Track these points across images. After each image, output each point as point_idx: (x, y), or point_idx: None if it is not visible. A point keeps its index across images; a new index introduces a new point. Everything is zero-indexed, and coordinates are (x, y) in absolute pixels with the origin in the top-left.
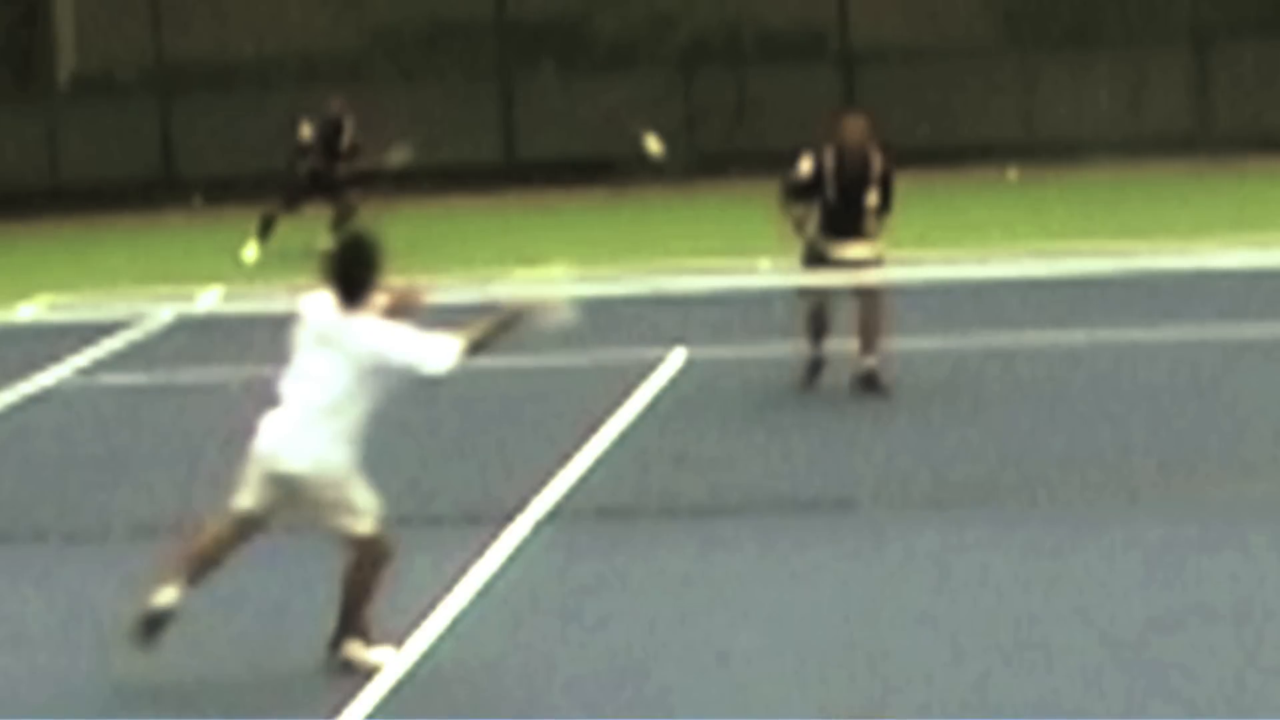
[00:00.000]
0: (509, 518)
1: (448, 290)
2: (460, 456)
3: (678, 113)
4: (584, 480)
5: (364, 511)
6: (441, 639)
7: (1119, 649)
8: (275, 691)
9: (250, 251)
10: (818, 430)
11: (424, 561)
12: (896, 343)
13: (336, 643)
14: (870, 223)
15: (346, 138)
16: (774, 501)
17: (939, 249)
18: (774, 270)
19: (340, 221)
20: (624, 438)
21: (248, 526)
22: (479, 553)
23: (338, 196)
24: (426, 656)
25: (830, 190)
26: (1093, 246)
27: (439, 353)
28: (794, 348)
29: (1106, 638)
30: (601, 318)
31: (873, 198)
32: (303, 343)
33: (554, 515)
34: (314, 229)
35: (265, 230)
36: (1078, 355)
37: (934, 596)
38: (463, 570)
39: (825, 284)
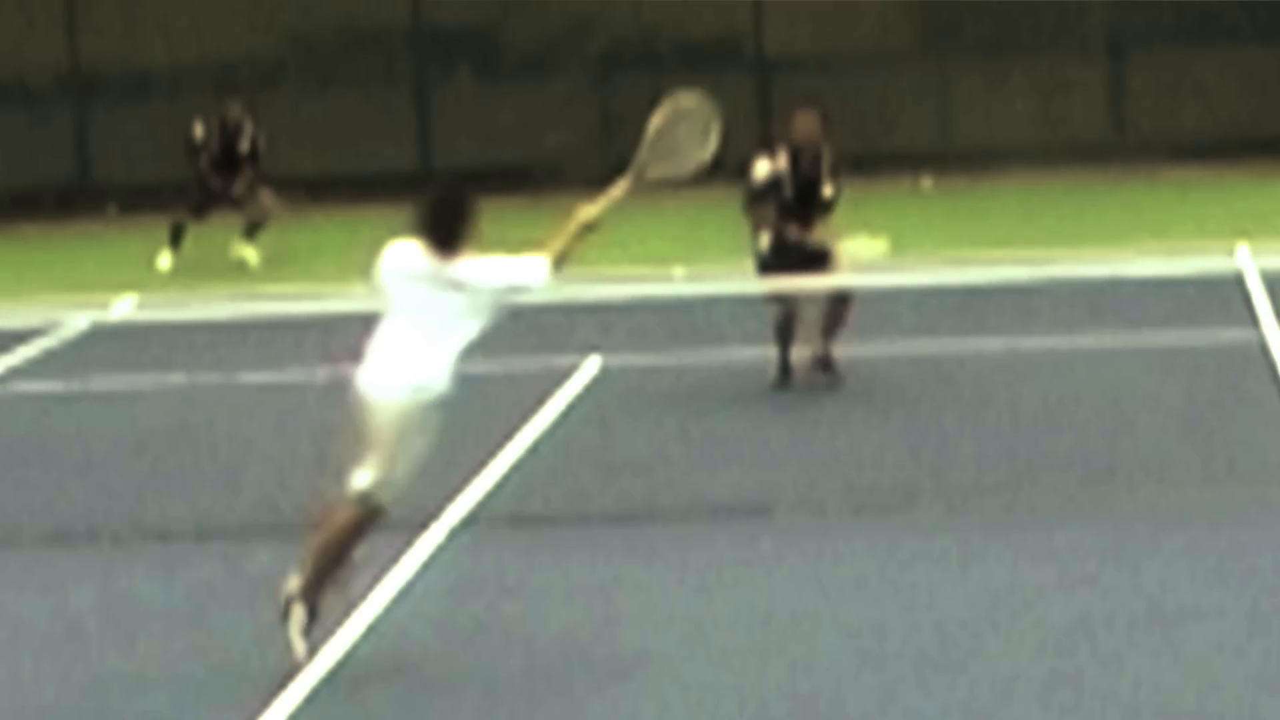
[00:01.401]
0: (424, 524)
1: (363, 298)
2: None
3: (593, 119)
4: (499, 487)
5: (390, 478)
6: (358, 644)
7: (1035, 656)
8: (194, 695)
9: (164, 260)
10: (734, 437)
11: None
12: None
13: (295, 601)
14: (826, 216)
15: (245, 141)
16: (690, 508)
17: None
18: (688, 278)
19: (253, 228)
20: (539, 445)
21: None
22: (395, 558)
23: (246, 202)
24: (343, 662)
25: (788, 189)
26: (1008, 254)
27: (532, 269)
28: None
29: (1022, 645)
30: (516, 325)
31: (828, 190)
32: (395, 287)
33: (470, 522)
34: (228, 237)
35: (176, 238)
36: (994, 363)
37: (851, 603)
38: (379, 576)
39: (779, 291)
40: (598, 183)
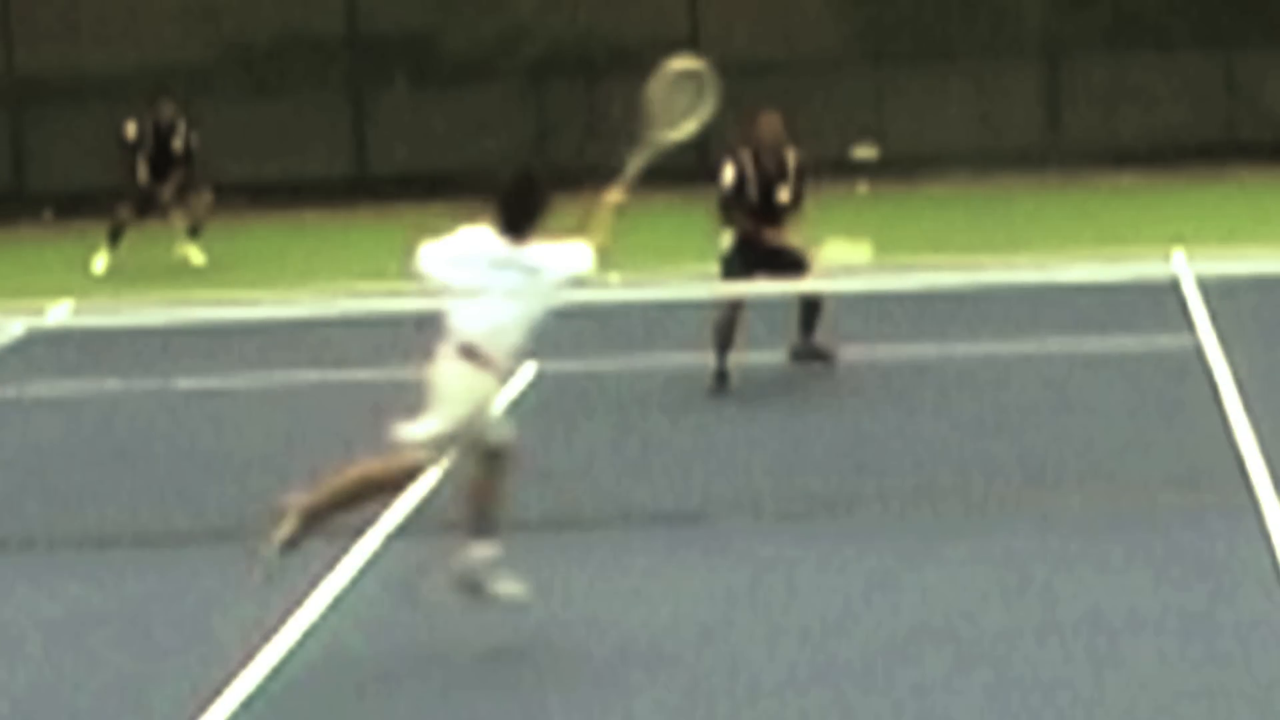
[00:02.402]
0: (359, 531)
1: (299, 304)
2: (309, 469)
3: (529, 126)
4: (435, 493)
5: (443, 442)
6: (293, 652)
7: (975, 663)
8: (129, 702)
9: (100, 262)
10: (669, 443)
11: (274, 574)
12: (748, 357)
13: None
14: (792, 216)
15: (179, 140)
16: (625, 514)
17: None
18: (623, 284)
19: (196, 228)
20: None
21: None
22: (330, 566)
23: (174, 207)
24: (279, 667)
25: (752, 190)
26: (944, 260)
27: (581, 256)
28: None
29: (961, 651)
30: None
31: (783, 194)
32: (467, 270)
33: (404, 529)
34: (165, 243)
35: (115, 238)
36: (930, 369)
37: (786, 610)
38: (314, 584)
39: (732, 295)
40: None
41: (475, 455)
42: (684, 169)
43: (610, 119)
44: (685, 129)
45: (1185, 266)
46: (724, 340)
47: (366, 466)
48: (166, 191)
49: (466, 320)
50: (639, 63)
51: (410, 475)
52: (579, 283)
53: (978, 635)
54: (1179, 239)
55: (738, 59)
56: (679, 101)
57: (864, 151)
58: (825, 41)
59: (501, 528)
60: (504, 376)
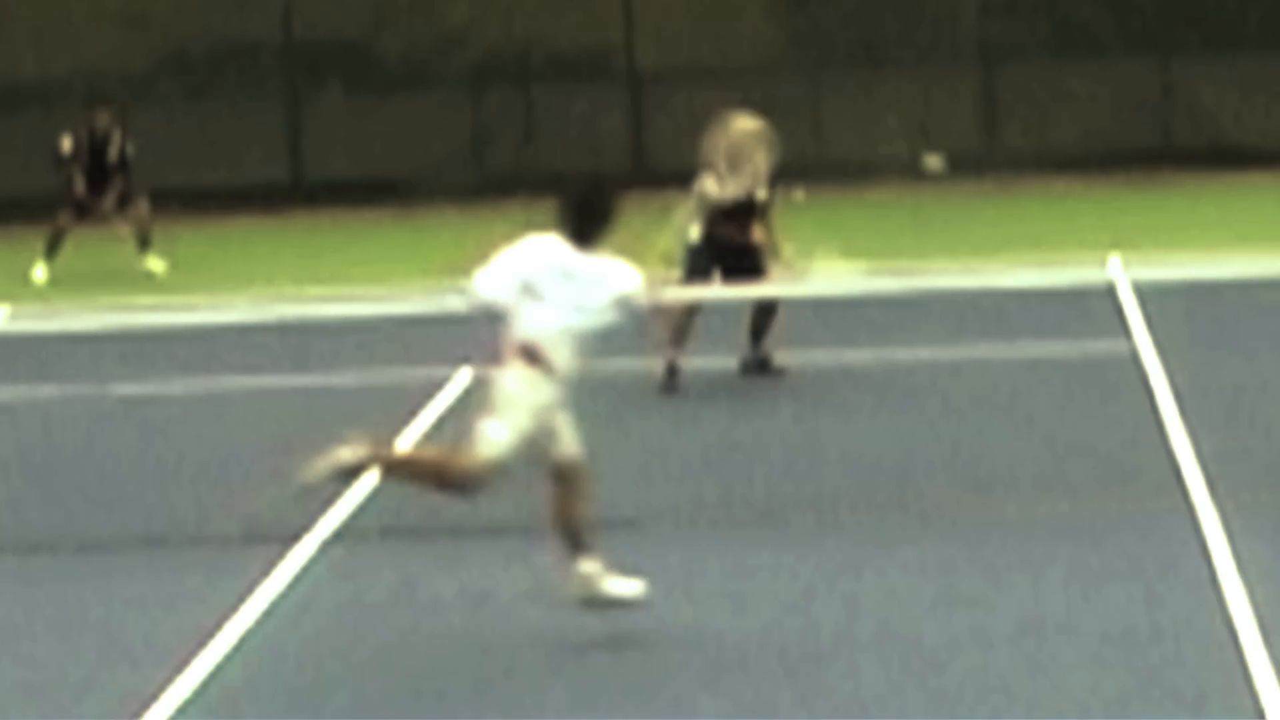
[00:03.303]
0: (295, 537)
1: (235, 310)
2: (244, 475)
3: (465, 133)
4: (371, 499)
5: (506, 451)
6: (228, 659)
7: (908, 671)
8: (60, 713)
9: (39, 271)
10: (605, 450)
11: (210, 581)
12: (688, 363)
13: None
14: (762, 219)
15: (114, 151)
16: None
17: None
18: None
19: (144, 242)
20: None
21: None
22: (265, 572)
23: (114, 217)
24: (213, 676)
25: (728, 195)
26: (880, 266)
27: (631, 276)
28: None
29: (901, 658)
30: (387, 336)
31: (761, 194)
32: (534, 278)
33: (340, 534)
34: (103, 249)
35: (52, 248)
36: (866, 374)
37: (720, 617)
38: (249, 590)
39: (700, 298)
40: (469, 195)
41: (547, 473)
42: (617, 174)
43: (546, 125)
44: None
45: (1121, 272)
46: (678, 337)
47: (441, 457)
48: (107, 203)
49: (529, 326)
50: (576, 69)
51: (466, 485)
52: (626, 304)
53: (914, 642)
54: (1115, 245)
55: (673, 66)
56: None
57: (933, 162)
58: (761, 48)
59: (592, 539)
60: (565, 386)
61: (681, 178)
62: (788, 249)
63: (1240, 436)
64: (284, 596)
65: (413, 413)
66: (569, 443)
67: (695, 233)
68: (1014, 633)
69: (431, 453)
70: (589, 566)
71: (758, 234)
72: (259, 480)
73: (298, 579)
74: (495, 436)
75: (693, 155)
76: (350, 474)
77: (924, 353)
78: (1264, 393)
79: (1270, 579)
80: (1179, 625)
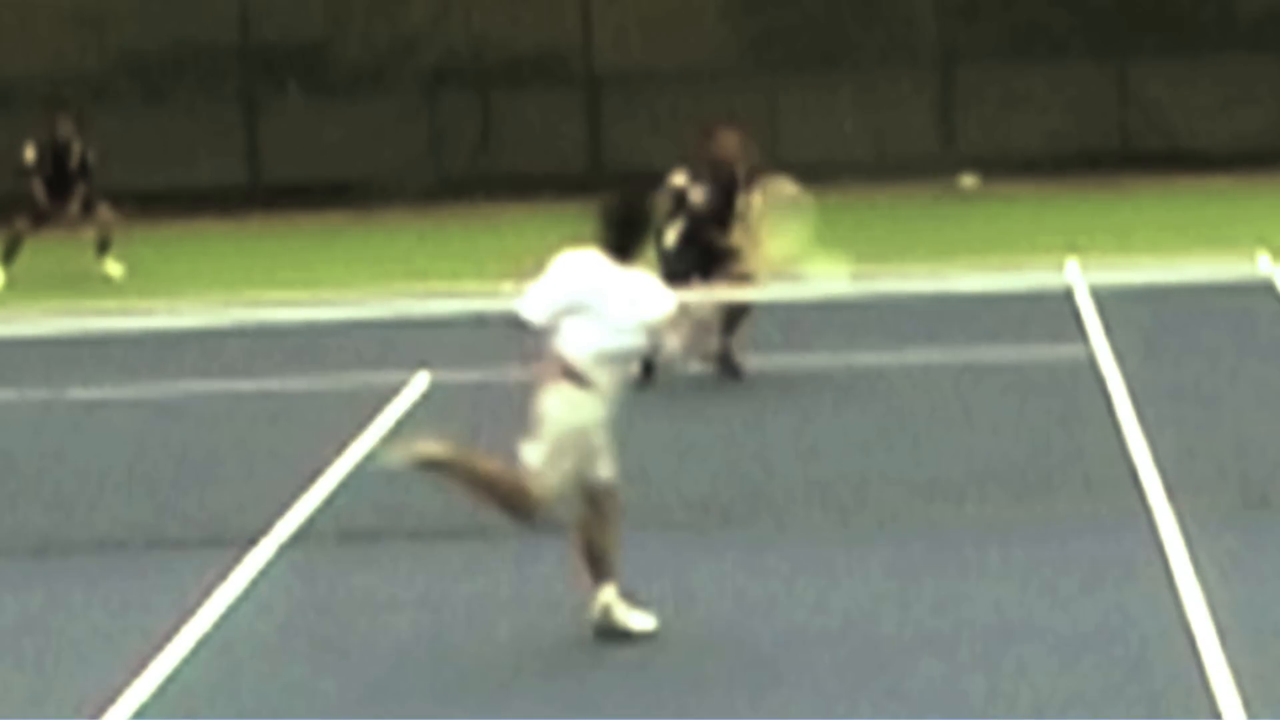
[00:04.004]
0: (253, 540)
1: (192, 314)
2: (202, 479)
3: (422, 135)
4: (328, 503)
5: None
6: (186, 662)
7: (865, 672)
8: (18, 716)
9: None
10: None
11: (167, 584)
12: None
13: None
14: (742, 225)
15: (75, 158)
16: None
17: None
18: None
19: (104, 244)
20: (367, 461)
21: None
22: (223, 575)
23: (82, 221)
24: (170, 680)
25: (706, 201)
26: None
27: (661, 304)
28: None
29: (860, 659)
30: (344, 341)
31: (744, 204)
32: (573, 293)
33: (298, 538)
34: (64, 253)
35: (10, 253)
36: (824, 377)
37: (680, 618)
38: (207, 593)
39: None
40: (426, 197)
41: (581, 497)
42: (575, 177)
43: (504, 128)
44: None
45: (1078, 276)
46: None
47: (516, 483)
48: (72, 209)
49: (571, 345)
50: (533, 72)
51: (530, 514)
52: (651, 330)
53: (872, 644)
54: (1072, 248)
55: (631, 69)
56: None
57: (968, 181)
58: (719, 51)
59: (616, 565)
60: (608, 405)
61: (639, 180)
62: (774, 251)
63: (1197, 439)
64: (242, 599)
65: (370, 417)
66: (605, 467)
67: (671, 238)
68: (971, 635)
69: (508, 475)
70: (608, 595)
71: (738, 237)
72: (216, 484)
73: (255, 582)
74: (541, 466)
75: (651, 158)
76: (429, 468)
77: (882, 356)
78: (1220, 396)
79: (1227, 581)
80: (1136, 627)
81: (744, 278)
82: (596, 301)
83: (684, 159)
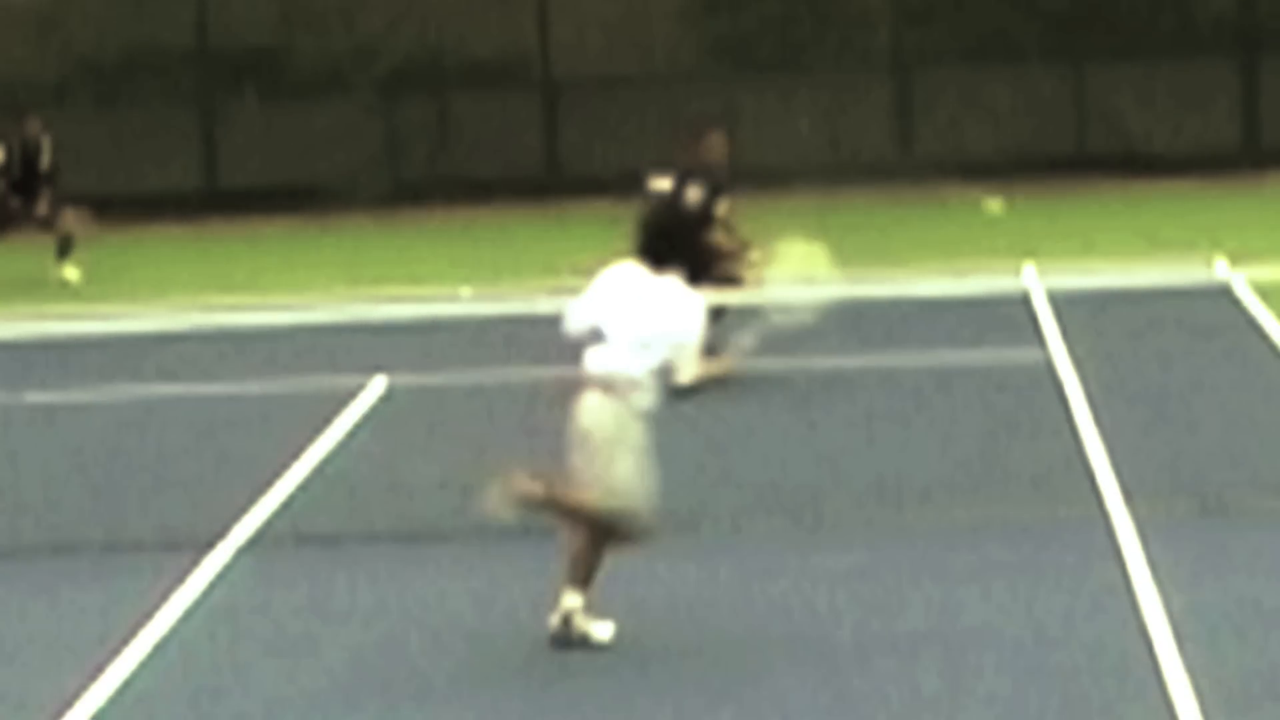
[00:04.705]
0: (209, 545)
1: (150, 318)
2: (159, 483)
3: (378, 140)
4: (285, 507)
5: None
6: (143, 666)
7: (824, 675)
8: None
9: None
10: (519, 457)
11: (124, 588)
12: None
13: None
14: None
15: (45, 158)
16: (476, 528)
17: None
18: (475, 298)
19: (65, 248)
20: (324, 465)
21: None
22: (180, 579)
23: (52, 221)
24: (127, 684)
25: (696, 202)
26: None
27: (694, 325)
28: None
29: (814, 663)
30: (301, 344)
31: (723, 207)
32: (610, 315)
33: (255, 542)
34: (18, 257)
35: None
36: (781, 382)
37: (635, 623)
38: (164, 597)
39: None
40: (384, 202)
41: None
42: (532, 182)
43: (461, 133)
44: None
45: (1036, 280)
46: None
47: (587, 504)
48: (40, 209)
49: (602, 355)
50: (490, 76)
51: (634, 542)
52: (679, 349)
53: (829, 648)
54: (1029, 253)
55: (588, 73)
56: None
57: (994, 206)
58: (676, 55)
59: (595, 577)
60: (640, 415)
61: (596, 185)
62: (755, 252)
63: (1154, 444)
64: (199, 603)
65: (327, 420)
66: (632, 492)
67: None
68: (928, 638)
69: (585, 506)
70: (575, 602)
71: (720, 240)
72: (173, 487)
73: (213, 586)
74: (609, 484)
75: (608, 163)
76: (530, 508)
77: (841, 360)
78: (1177, 400)
79: (1184, 585)
80: (1093, 632)
81: (731, 281)
82: (630, 316)
83: (664, 163)
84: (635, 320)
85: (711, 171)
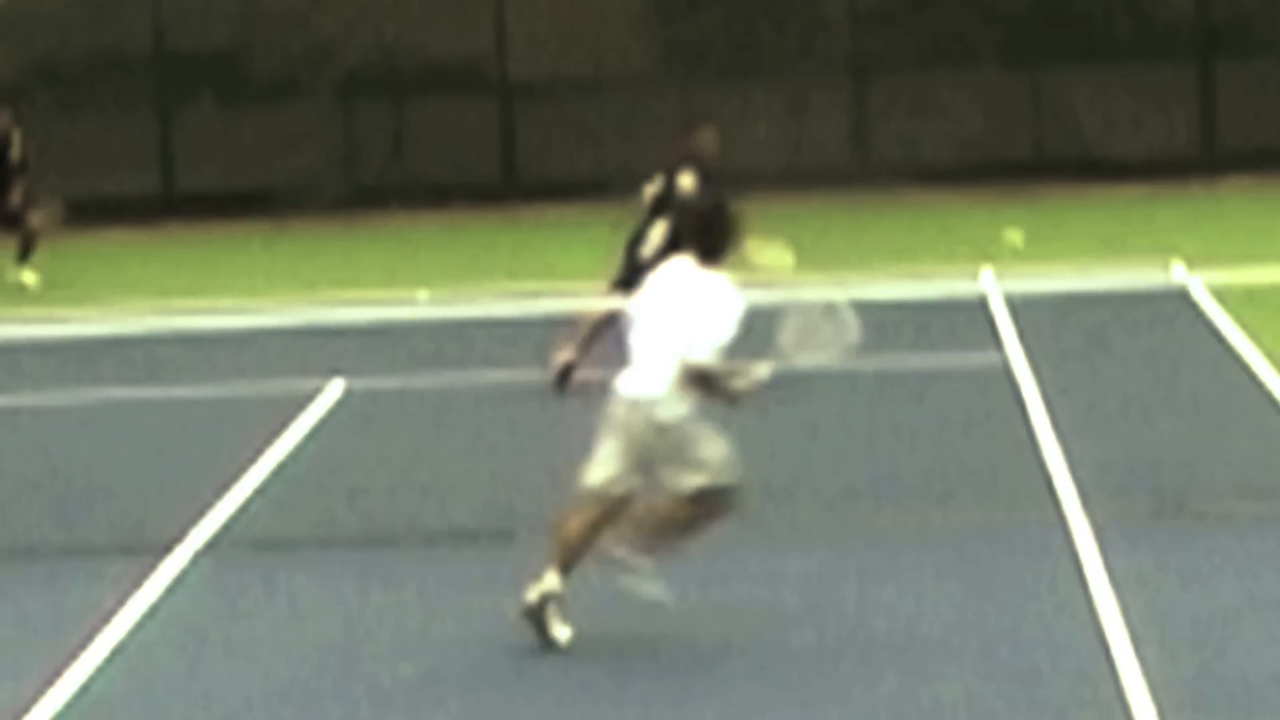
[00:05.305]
0: (167, 548)
1: (107, 321)
2: (116, 486)
3: (336, 144)
4: (243, 511)
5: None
6: (100, 670)
7: (784, 678)
8: None
9: None
10: (476, 461)
11: (81, 592)
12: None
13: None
14: None
15: (16, 151)
16: (434, 531)
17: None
18: (432, 301)
19: (25, 252)
20: (282, 468)
21: (612, 500)
22: (137, 583)
23: (17, 224)
24: (85, 688)
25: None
26: (750, 278)
27: (725, 331)
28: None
29: (772, 667)
30: (259, 348)
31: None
32: (656, 301)
33: (212, 546)
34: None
35: None
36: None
37: (590, 628)
38: (121, 602)
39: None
40: (340, 207)
41: (627, 489)
42: (489, 186)
43: (418, 137)
44: (812, 355)
45: (992, 283)
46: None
47: (566, 527)
48: (14, 201)
49: (631, 377)
50: (447, 80)
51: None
52: (716, 350)
53: (785, 653)
54: (986, 256)
55: (545, 77)
56: (820, 332)
57: (1014, 237)
58: (633, 59)
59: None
60: (684, 410)
61: (553, 189)
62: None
63: (1111, 447)
64: (157, 607)
65: (285, 424)
66: (674, 477)
67: (651, 247)
68: (886, 643)
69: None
70: (555, 585)
71: None
72: (131, 491)
73: (170, 590)
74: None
75: (565, 167)
76: (632, 567)
77: (794, 364)
78: (1134, 404)
79: (1141, 589)
80: (1050, 635)
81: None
82: (669, 315)
83: (641, 169)
84: (663, 335)
85: (704, 167)
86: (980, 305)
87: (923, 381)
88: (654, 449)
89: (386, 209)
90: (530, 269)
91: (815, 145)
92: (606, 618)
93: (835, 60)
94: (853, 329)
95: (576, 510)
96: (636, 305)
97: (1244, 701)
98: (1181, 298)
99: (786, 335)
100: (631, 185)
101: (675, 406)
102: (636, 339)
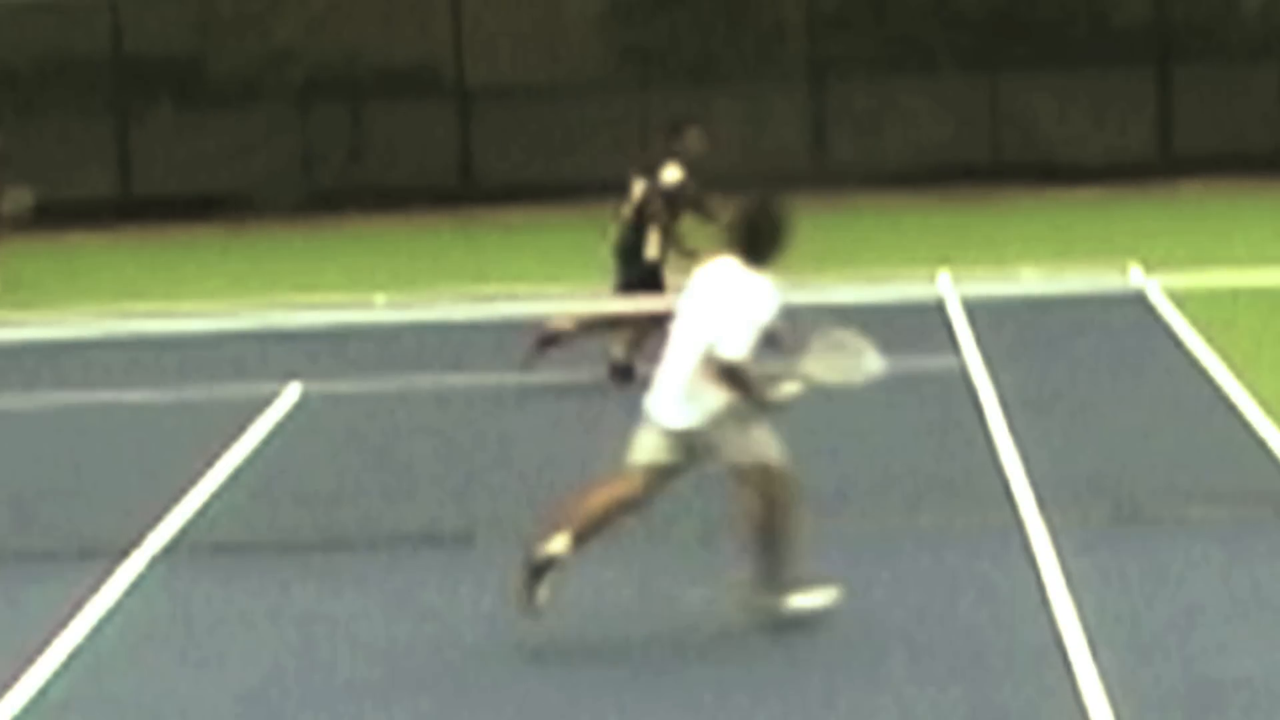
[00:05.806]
0: (124, 553)
1: (64, 325)
2: (73, 490)
3: (294, 148)
4: (200, 515)
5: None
6: (57, 675)
7: (743, 684)
8: None
9: None
10: (435, 464)
11: (37, 596)
12: (541, 375)
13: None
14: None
15: None
16: (392, 536)
17: (535, 284)
18: (389, 305)
19: None
20: (239, 473)
21: (645, 486)
22: (94, 588)
23: (7, 210)
24: (41, 693)
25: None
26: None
27: (742, 338)
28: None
29: (731, 673)
30: (216, 352)
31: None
32: (701, 299)
33: (169, 550)
34: None
35: None
36: None
37: (552, 629)
38: (78, 606)
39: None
40: (298, 211)
41: (669, 469)
42: (446, 190)
43: (375, 141)
44: (834, 376)
45: (950, 288)
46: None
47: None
48: None
49: (655, 400)
50: (405, 84)
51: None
52: (749, 345)
53: (744, 656)
54: (944, 260)
55: (502, 82)
56: (843, 359)
57: (1027, 273)
58: (591, 64)
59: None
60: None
61: (510, 193)
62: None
63: (1069, 452)
64: (113, 612)
65: (242, 428)
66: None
67: (654, 249)
68: (844, 647)
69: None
70: (563, 548)
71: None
72: (87, 496)
73: (127, 594)
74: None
75: (522, 171)
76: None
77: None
78: (1091, 407)
79: (1098, 592)
80: (1008, 639)
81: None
82: (703, 314)
83: (640, 169)
84: (696, 330)
85: (690, 167)
86: (938, 309)
87: (879, 385)
88: (695, 449)
89: (343, 213)
90: (488, 272)
91: (773, 149)
92: (566, 618)
93: (793, 64)
94: (875, 364)
95: (609, 483)
96: (681, 304)
97: (1200, 705)
98: (1139, 301)
99: (810, 363)
100: (600, 189)
101: (704, 409)
102: (674, 339)
